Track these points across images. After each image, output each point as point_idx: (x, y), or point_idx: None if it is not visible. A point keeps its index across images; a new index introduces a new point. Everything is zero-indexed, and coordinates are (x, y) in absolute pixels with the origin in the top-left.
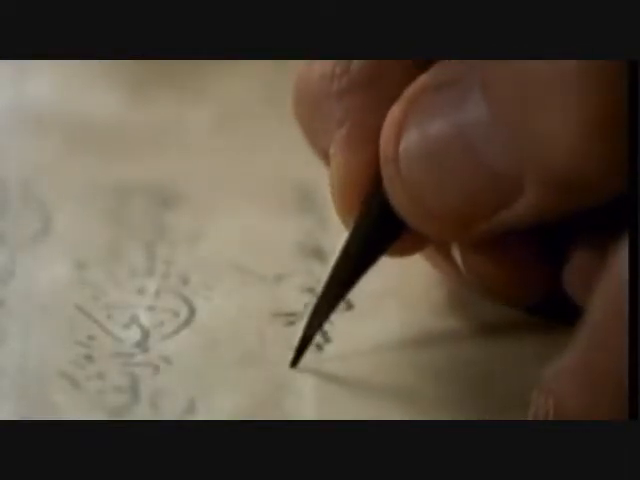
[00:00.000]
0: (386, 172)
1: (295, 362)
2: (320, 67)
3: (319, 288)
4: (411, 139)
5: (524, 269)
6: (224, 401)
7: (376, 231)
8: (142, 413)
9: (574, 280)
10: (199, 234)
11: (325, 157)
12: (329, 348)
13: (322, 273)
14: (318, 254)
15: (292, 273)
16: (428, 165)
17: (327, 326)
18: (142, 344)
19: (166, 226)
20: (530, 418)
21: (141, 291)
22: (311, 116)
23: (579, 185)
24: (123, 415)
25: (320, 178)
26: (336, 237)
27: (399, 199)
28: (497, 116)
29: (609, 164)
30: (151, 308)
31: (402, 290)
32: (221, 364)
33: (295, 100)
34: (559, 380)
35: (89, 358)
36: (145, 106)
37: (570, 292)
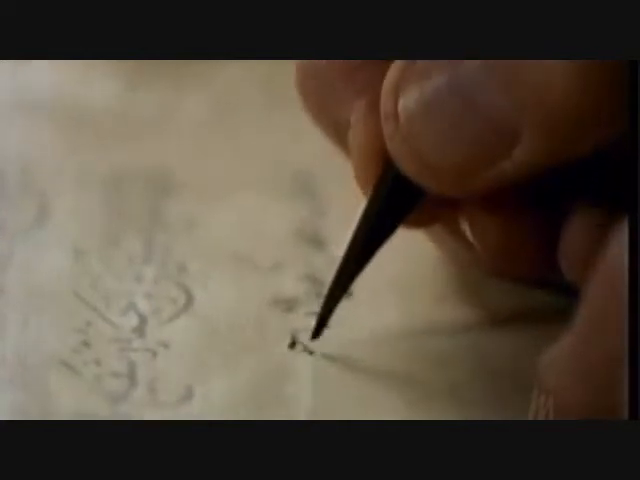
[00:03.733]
0: (387, 129)
1: (316, 335)
2: None
3: (318, 275)
4: (410, 94)
5: (531, 235)
6: (222, 386)
7: (391, 200)
8: (140, 398)
9: (568, 255)
10: (197, 221)
11: (333, 132)
12: (328, 334)
13: (321, 261)
14: (316, 242)
15: (290, 261)
16: (427, 118)
17: None
18: (139, 330)
19: (164, 213)
20: (530, 418)
21: (139, 278)
22: (320, 90)
23: (575, 126)
24: (120, 400)
25: (319, 165)
26: (335, 225)
27: (400, 155)
28: (491, 63)
29: (603, 102)
30: (149, 295)
31: (401, 279)
32: (219, 350)
33: (301, 74)
34: (555, 367)
35: (86, 344)
36: (143, 93)
37: (563, 267)
